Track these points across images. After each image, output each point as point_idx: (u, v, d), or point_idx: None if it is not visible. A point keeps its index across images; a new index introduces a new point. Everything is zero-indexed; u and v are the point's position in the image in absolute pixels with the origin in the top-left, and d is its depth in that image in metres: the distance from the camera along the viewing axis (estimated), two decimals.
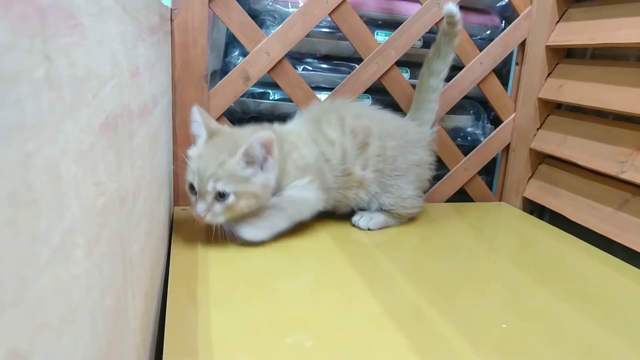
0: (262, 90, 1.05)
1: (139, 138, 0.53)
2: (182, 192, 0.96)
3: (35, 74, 0.21)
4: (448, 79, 1.06)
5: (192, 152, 0.78)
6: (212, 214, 0.74)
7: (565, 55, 1.07)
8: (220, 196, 0.73)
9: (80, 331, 0.26)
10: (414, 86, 1.06)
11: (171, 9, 0.90)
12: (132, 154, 0.48)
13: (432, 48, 0.96)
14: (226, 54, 1.03)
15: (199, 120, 0.79)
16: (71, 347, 0.25)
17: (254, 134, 0.73)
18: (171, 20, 0.90)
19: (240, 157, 0.73)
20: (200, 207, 0.73)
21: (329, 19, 0.97)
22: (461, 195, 1.14)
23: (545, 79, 1.06)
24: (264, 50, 0.94)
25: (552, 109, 1.09)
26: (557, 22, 1.04)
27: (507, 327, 0.64)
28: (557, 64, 1.06)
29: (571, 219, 0.98)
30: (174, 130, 0.94)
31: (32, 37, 0.20)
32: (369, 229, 0.92)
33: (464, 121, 1.15)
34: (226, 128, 0.81)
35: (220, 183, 0.72)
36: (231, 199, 0.73)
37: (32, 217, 0.20)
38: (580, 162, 0.97)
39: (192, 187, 0.75)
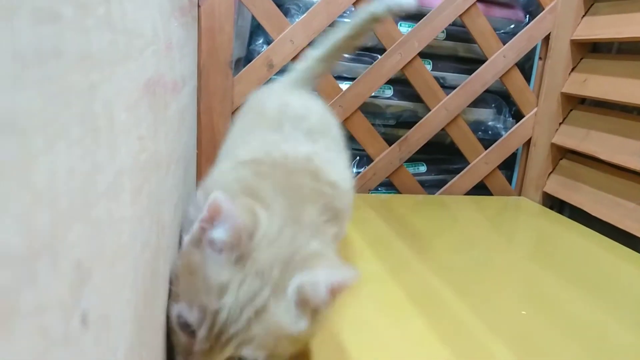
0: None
1: (170, 111, 0.54)
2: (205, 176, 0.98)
3: (98, 10, 0.22)
4: (470, 71, 1.06)
5: (200, 257, 0.42)
6: None
7: (590, 50, 1.06)
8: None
9: (126, 273, 0.27)
10: (436, 78, 1.06)
11: None
12: (165, 124, 0.49)
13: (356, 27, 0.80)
14: (251, 41, 1.04)
15: (227, 210, 0.41)
16: (120, 283, 0.26)
17: (325, 268, 0.42)
18: (198, 6, 0.91)
19: (293, 301, 0.41)
20: None
21: (352, 8, 0.98)
22: (480, 190, 1.13)
23: (569, 74, 1.06)
24: (288, 38, 0.95)
25: (575, 103, 1.08)
26: (583, 16, 1.03)
27: (526, 315, 0.64)
28: (581, 59, 1.05)
29: (592, 214, 0.97)
30: (198, 116, 0.95)
31: None
32: None
33: (485, 115, 1.15)
34: (264, 214, 0.44)
35: (250, 348, 0.40)
36: None
37: (94, 144, 0.21)
38: (603, 157, 0.96)
39: (186, 325, 0.41)
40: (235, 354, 0.40)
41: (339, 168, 0.60)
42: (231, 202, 0.41)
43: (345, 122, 1.01)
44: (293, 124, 0.62)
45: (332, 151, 0.63)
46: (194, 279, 0.41)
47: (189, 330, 0.40)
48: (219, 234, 0.41)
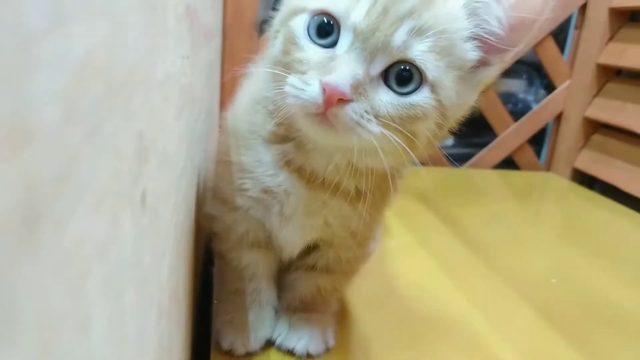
0: None
1: (202, 56, 0.52)
2: None
3: None
4: None
5: None
6: (362, 106, 0.32)
7: (629, 19, 1.02)
8: (400, 79, 0.32)
9: (172, 181, 0.26)
10: None
11: None
12: (199, 64, 0.47)
13: None
14: (277, 2, 1.01)
15: None
16: (167, 184, 0.24)
17: None
18: None
19: (464, 10, 0.34)
20: (345, 70, 0.31)
21: None
22: (508, 164, 1.10)
23: (606, 44, 1.01)
24: None
25: (611, 75, 1.04)
26: None
27: (556, 284, 0.62)
28: (619, 28, 1.01)
29: (625, 190, 0.94)
30: (222, 78, 0.93)
31: None
32: None
33: (516, 86, 1.11)
34: None
35: (424, 44, 0.32)
36: (424, 96, 0.33)
37: (151, 25, 0.19)
38: (639, 131, 0.93)
39: (324, 26, 0.33)
40: (404, 49, 0.31)
41: None
42: None
43: None
44: None
45: None
46: None
47: (325, 40, 0.32)
48: None
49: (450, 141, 1.12)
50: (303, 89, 0.31)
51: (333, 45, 0.32)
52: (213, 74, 0.77)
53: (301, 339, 0.43)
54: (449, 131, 0.37)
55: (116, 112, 0.14)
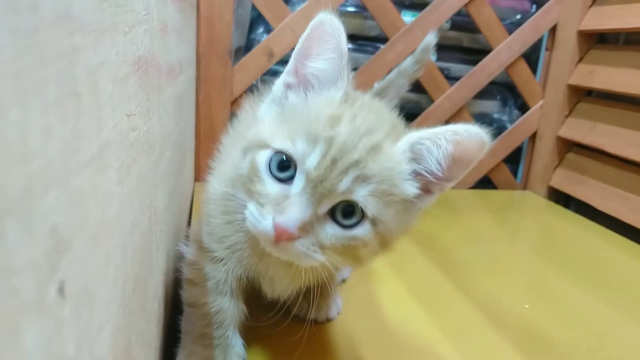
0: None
1: (165, 95, 0.52)
2: (203, 167, 0.96)
3: None
4: (475, 62, 1.04)
5: (296, 99, 0.41)
6: (310, 240, 0.37)
7: (598, 41, 1.04)
8: (345, 213, 0.37)
9: (112, 250, 0.26)
10: (440, 69, 1.04)
11: None
12: (160, 107, 0.47)
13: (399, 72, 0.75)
14: (251, 30, 1.02)
15: (342, 49, 0.39)
16: (104, 259, 0.24)
17: (452, 125, 0.37)
18: None
19: (408, 150, 0.38)
20: (294, 214, 0.35)
21: None
22: (485, 183, 1.11)
23: (576, 65, 1.03)
24: (289, 27, 0.93)
25: (581, 95, 1.06)
26: (590, 6, 1.01)
27: (530, 309, 0.63)
28: (588, 50, 1.03)
29: (599, 208, 0.95)
30: (197, 106, 0.93)
31: None
32: None
33: (490, 107, 1.13)
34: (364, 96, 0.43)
35: (366, 189, 0.36)
36: (365, 229, 0.37)
37: (75, 110, 0.19)
38: (610, 150, 0.94)
39: (282, 165, 0.38)
40: (348, 193, 0.35)
41: None
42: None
43: None
44: None
45: None
46: (292, 121, 0.38)
47: (283, 174, 0.37)
48: (317, 64, 0.39)
49: None
50: (259, 221, 0.36)
51: (290, 179, 0.37)
52: (184, 105, 0.77)
53: (320, 310, 0.53)
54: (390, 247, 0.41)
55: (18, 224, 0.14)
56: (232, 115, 0.95)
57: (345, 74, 0.39)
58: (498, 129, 1.12)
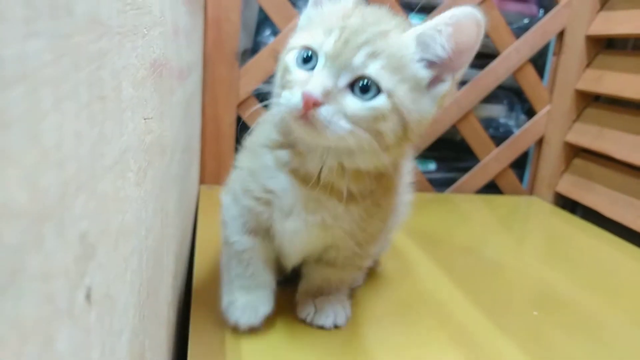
0: None
1: (176, 98, 0.52)
2: (209, 170, 0.96)
3: None
4: (482, 66, 1.04)
5: (316, 11, 0.47)
6: (334, 109, 0.40)
7: (606, 46, 1.04)
8: (363, 89, 0.41)
9: (130, 255, 0.25)
10: None
11: None
12: (171, 110, 0.47)
13: None
14: (258, 33, 1.02)
15: None
16: (124, 264, 0.24)
17: (449, 11, 0.42)
18: None
19: (414, 40, 0.43)
20: (317, 82, 0.40)
21: None
22: (491, 188, 1.11)
23: (584, 70, 1.03)
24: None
25: (589, 101, 1.06)
26: (599, 11, 1.01)
27: (538, 316, 0.62)
28: (596, 55, 1.03)
29: (606, 215, 0.95)
30: (203, 107, 0.93)
31: None
32: None
33: (497, 111, 1.12)
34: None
35: (378, 63, 0.41)
36: (381, 101, 0.41)
37: (101, 114, 0.19)
38: (617, 156, 0.94)
39: (304, 58, 0.43)
40: (362, 68, 0.41)
41: None
42: None
43: None
44: None
45: None
46: (313, 26, 0.45)
47: (308, 64, 0.43)
48: None
49: (433, 166, 1.13)
50: (290, 99, 0.41)
51: (313, 68, 0.42)
52: (193, 106, 0.76)
53: (328, 317, 0.53)
54: (417, 138, 0.45)
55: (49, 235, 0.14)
56: (238, 117, 0.94)
57: None
58: (505, 134, 1.12)
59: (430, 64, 0.43)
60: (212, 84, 0.92)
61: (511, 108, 1.13)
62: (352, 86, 0.41)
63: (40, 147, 0.13)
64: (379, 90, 0.41)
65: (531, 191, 1.14)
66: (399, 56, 0.42)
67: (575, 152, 1.08)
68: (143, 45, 0.30)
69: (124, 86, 0.23)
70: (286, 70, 0.44)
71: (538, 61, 1.11)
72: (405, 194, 0.61)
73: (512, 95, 1.14)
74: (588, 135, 1.02)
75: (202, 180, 0.96)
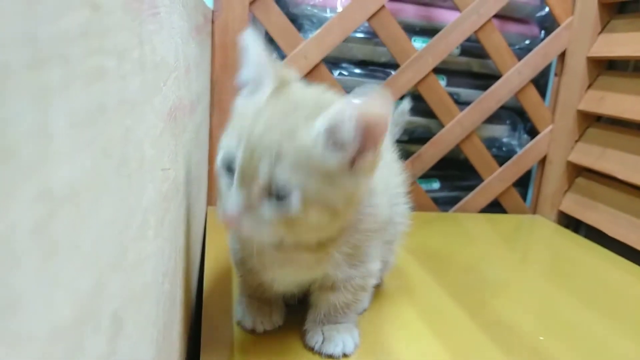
0: None
1: (188, 133, 0.53)
2: (216, 192, 0.97)
3: (134, 54, 0.21)
4: (485, 87, 1.05)
5: (241, 103, 0.48)
6: (254, 219, 0.42)
7: (607, 67, 1.05)
8: (277, 195, 0.42)
9: (150, 310, 0.26)
10: (450, 94, 1.05)
11: (212, 11, 0.91)
12: (184, 148, 0.48)
13: None
14: None
15: (258, 55, 0.47)
16: (145, 322, 0.25)
17: (349, 99, 0.41)
18: (212, 21, 0.91)
19: (322, 130, 0.42)
20: (234, 201, 0.42)
21: (367, 24, 0.97)
22: (494, 207, 1.12)
23: (586, 91, 1.04)
24: (302, 54, 0.94)
25: (591, 121, 1.07)
26: (599, 33, 1.02)
27: (544, 340, 0.63)
28: (598, 76, 1.04)
29: (609, 234, 0.96)
30: (210, 131, 0.95)
31: (134, 19, 0.20)
32: None
33: (499, 131, 1.14)
34: (301, 83, 0.49)
35: (283, 168, 0.41)
36: (294, 202, 0.41)
37: (128, 190, 0.20)
38: (620, 176, 0.95)
39: (228, 164, 0.44)
40: (270, 177, 0.41)
41: None
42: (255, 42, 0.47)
43: None
44: None
45: None
46: (236, 122, 0.46)
47: (226, 167, 0.44)
48: (245, 72, 0.48)
49: (437, 185, 1.14)
50: (219, 208, 0.45)
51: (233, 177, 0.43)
52: (201, 132, 0.78)
53: (337, 346, 0.54)
54: (354, 209, 0.47)
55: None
56: None
57: (270, 74, 0.45)
58: (508, 153, 1.13)
59: (345, 145, 0.42)
60: (220, 108, 0.94)
61: (514, 128, 1.14)
62: (269, 191, 0.42)
63: (81, 255, 0.14)
64: (290, 190, 0.41)
65: (534, 210, 1.15)
66: (306, 152, 0.41)
67: (578, 172, 1.09)
68: (160, 101, 0.31)
69: (146, 151, 0.25)
70: (218, 171, 0.46)
71: (540, 81, 1.13)
72: (400, 205, 0.63)
73: (514, 115, 1.15)
74: (590, 155, 1.03)
75: (210, 202, 0.97)
